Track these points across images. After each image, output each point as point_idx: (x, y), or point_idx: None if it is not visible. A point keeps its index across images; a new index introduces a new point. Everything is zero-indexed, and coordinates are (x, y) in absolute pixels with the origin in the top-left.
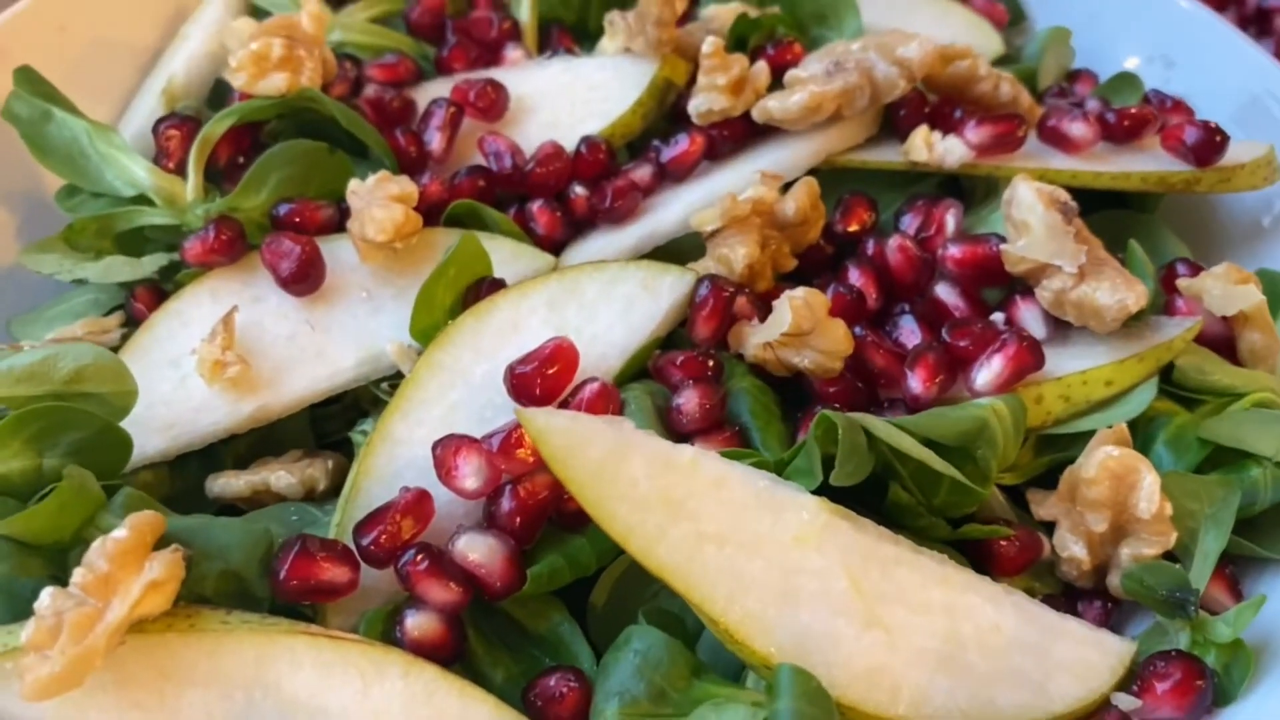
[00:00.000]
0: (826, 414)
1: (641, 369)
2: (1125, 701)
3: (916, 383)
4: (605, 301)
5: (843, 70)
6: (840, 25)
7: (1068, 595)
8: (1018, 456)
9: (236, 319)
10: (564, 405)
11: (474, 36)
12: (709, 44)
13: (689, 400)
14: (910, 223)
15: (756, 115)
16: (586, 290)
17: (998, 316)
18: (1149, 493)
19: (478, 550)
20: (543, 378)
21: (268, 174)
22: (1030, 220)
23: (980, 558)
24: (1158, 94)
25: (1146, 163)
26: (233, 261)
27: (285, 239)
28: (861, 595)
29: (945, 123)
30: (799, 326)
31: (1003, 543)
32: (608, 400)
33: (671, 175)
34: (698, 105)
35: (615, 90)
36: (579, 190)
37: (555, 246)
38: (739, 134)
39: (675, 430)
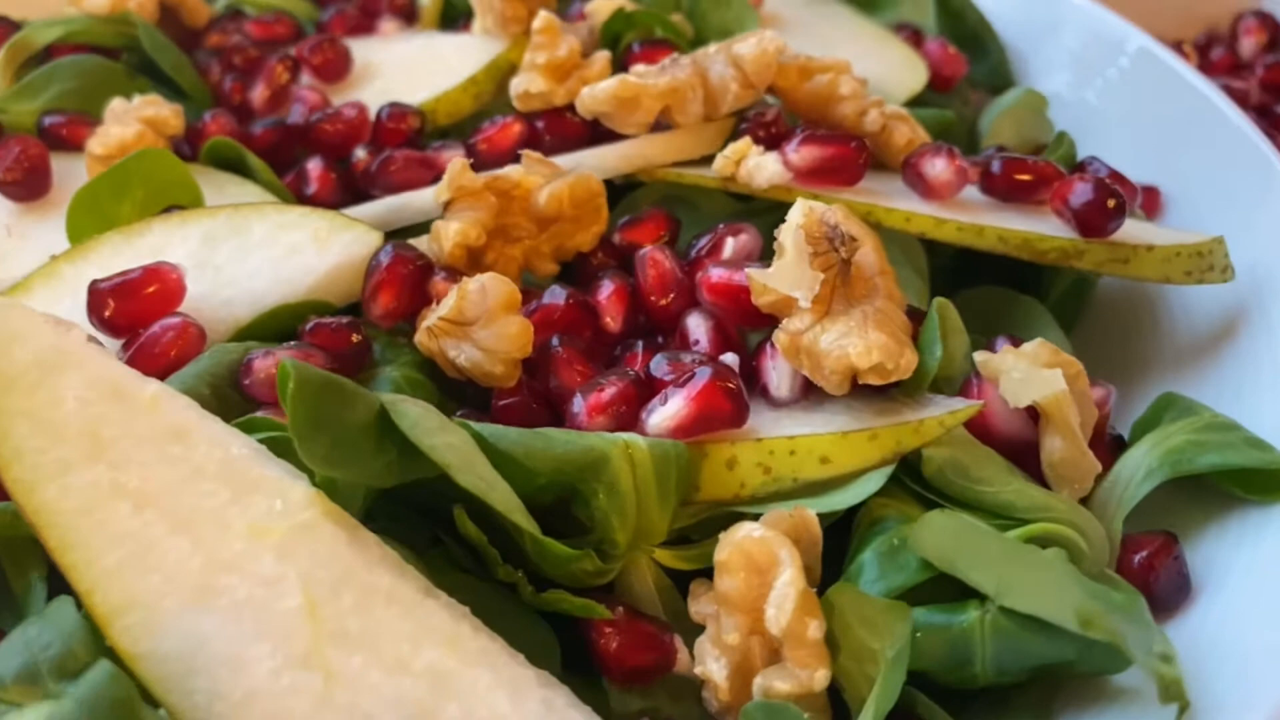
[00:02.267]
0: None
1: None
2: None
3: (581, 411)
4: (267, 246)
5: (676, 66)
6: None
7: None
8: (690, 532)
9: None
10: (139, 338)
11: (359, 6)
12: (539, 19)
13: None
14: (700, 245)
15: (579, 106)
16: (254, 229)
17: (729, 357)
18: (781, 597)
19: None
20: (120, 299)
21: (49, 83)
22: (785, 244)
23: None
24: (1096, 161)
25: (1017, 222)
26: None
27: (16, 141)
28: (314, 623)
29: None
30: (461, 312)
31: (600, 629)
32: (186, 343)
33: (480, 161)
34: (514, 85)
35: (454, 66)
36: (360, 153)
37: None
38: (569, 130)
39: None
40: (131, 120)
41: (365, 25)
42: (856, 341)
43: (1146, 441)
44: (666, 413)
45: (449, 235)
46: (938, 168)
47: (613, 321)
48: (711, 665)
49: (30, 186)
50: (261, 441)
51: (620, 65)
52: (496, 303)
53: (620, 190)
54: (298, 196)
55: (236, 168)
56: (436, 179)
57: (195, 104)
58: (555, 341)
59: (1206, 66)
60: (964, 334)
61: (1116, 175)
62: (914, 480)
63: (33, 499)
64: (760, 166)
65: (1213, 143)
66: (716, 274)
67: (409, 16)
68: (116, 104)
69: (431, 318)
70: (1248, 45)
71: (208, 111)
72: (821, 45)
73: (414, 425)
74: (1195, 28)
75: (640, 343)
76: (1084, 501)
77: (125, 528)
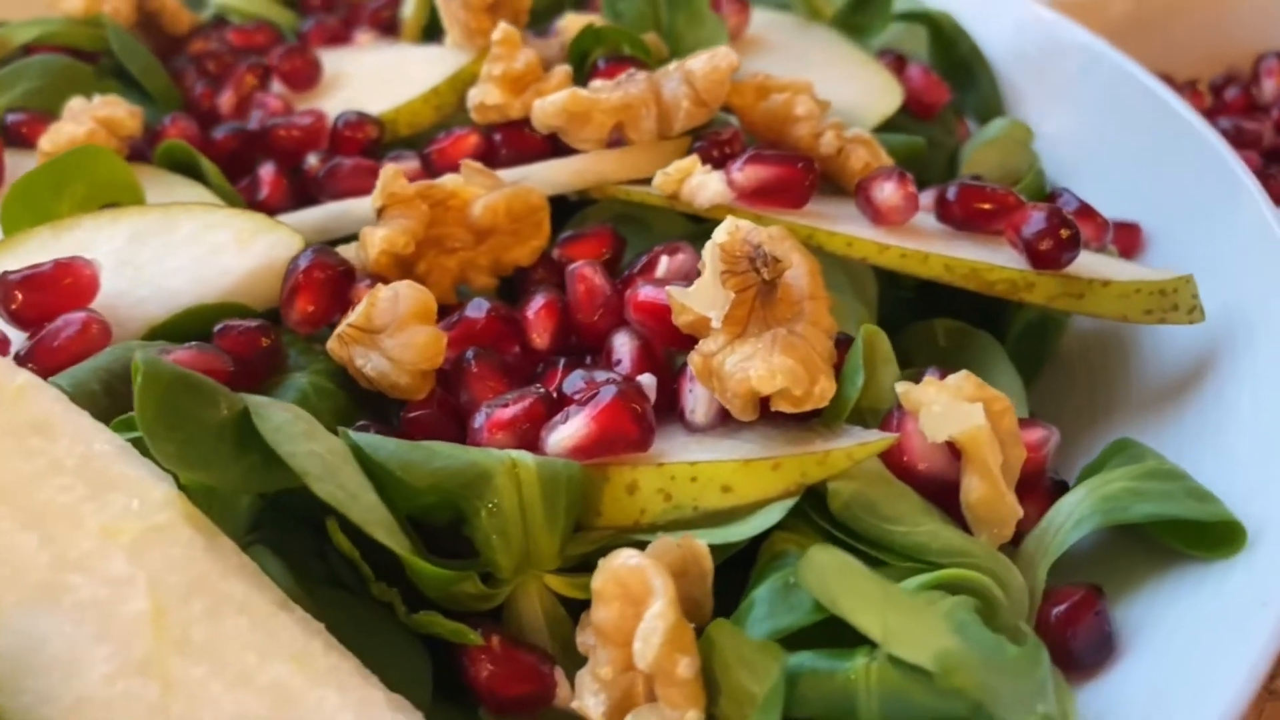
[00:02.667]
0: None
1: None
2: None
3: (482, 426)
4: (190, 245)
5: (630, 82)
6: None
7: None
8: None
9: None
10: (40, 331)
11: (342, 17)
12: (498, 31)
13: None
14: (635, 264)
15: (533, 120)
16: (181, 228)
17: (645, 378)
18: (649, 630)
19: None
20: (28, 291)
21: (15, 81)
22: (704, 262)
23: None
24: (1067, 193)
25: (968, 251)
26: None
27: None
28: (159, 629)
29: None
30: (370, 319)
31: (474, 656)
32: (88, 339)
33: (434, 171)
34: (471, 97)
35: (419, 77)
36: (311, 160)
37: (275, 214)
38: (526, 145)
39: None
40: (86, 119)
41: (344, 36)
42: (759, 365)
43: (1083, 488)
44: (566, 432)
45: (374, 242)
46: (886, 192)
47: (540, 338)
48: (589, 700)
49: None
50: (133, 441)
51: (584, 81)
52: (408, 311)
53: (575, 207)
54: (250, 202)
55: (191, 171)
56: None
57: (163, 108)
58: (469, 355)
59: (1220, 107)
60: (894, 364)
61: (1085, 208)
62: (823, 516)
63: None
64: (703, 185)
65: (1200, 181)
66: (644, 293)
67: (389, 29)
68: (75, 103)
69: (342, 324)
70: (1269, 87)
71: (168, 115)
72: (799, 67)
73: (276, 430)
74: (1215, 68)
75: (562, 360)
76: (1011, 548)
77: None
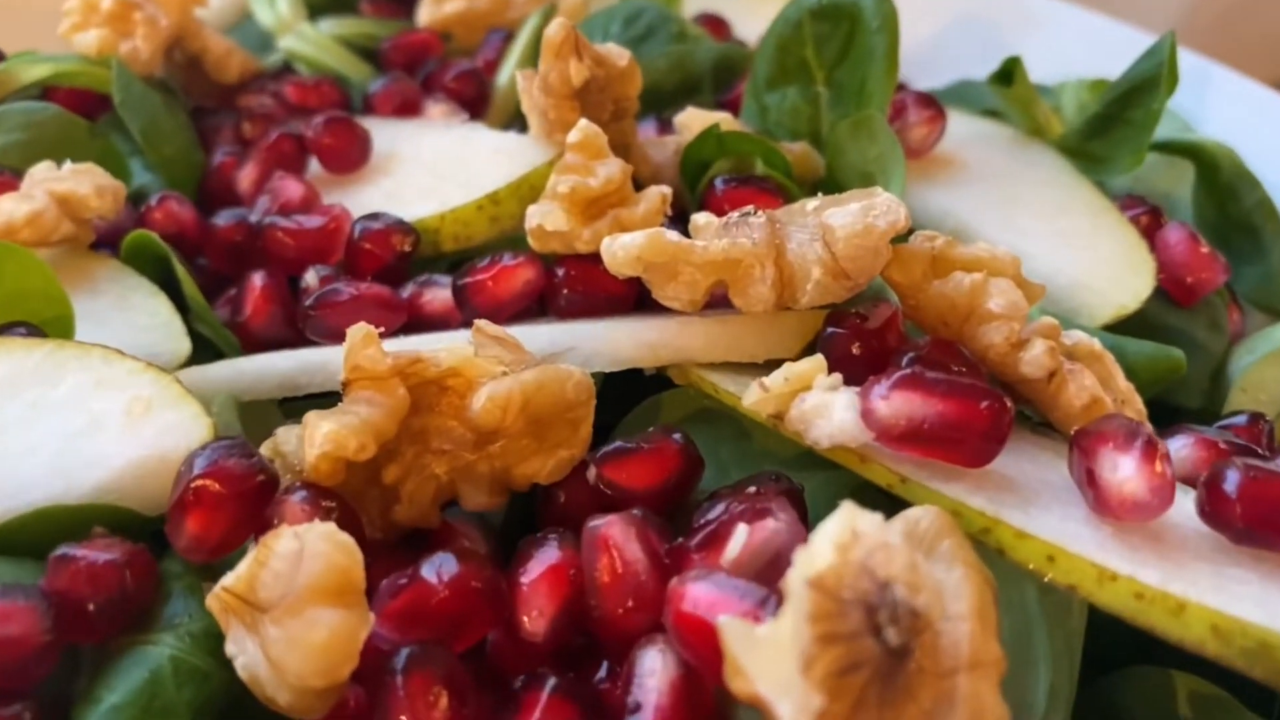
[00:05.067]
0: None
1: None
2: None
3: None
4: (68, 410)
5: (745, 226)
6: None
7: None
8: None
9: None
10: None
11: (425, 80)
12: (577, 130)
13: None
14: (701, 525)
15: (605, 258)
16: (65, 383)
17: None
18: None
19: None
20: None
21: None
22: (785, 608)
23: None
24: None
25: (1257, 600)
26: None
27: None
28: None
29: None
30: (252, 587)
31: None
32: None
33: (472, 311)
34: (530, 217)
35: (480, 175)
36: (310, 278)
37: (259, 342)
38: (600, 288)
39: None
40: (40, 194)
41: (418, 104)
42: None
43: None
44: None
45: (315, 440)
46: (1123, 472)
47: (535, 624)
48: None
49: None
50: None
51: (698, 207)
52: (313, 582)
53: (648, 386)
54: (229, 322)
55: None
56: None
57: (168, 179)
58: (400, 661)
59: None
60: None
61: None
62: None
63: None
64: (821, 411)
65: None
66: (696, 592)
67: (474, 103)
68: (39, 169)
69: (225, 580)
70: None
71: (155, 193)
72: (1003, 212)
73: None
74: None
75: (551, 681)
76: None
77: None
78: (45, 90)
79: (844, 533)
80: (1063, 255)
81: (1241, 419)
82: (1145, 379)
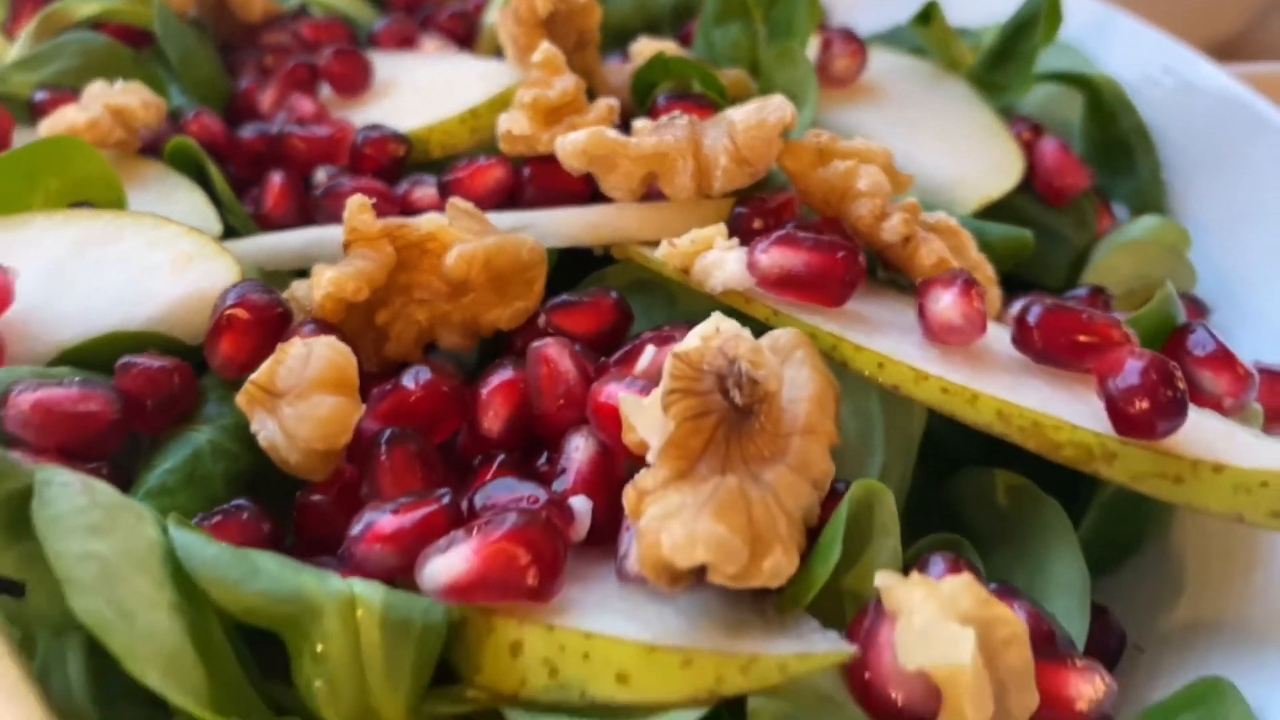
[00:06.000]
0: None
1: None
2: None
3: (359, 535)
4: (127, 262)
5: (671, 127)
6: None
7: None
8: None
9: None
10: None
11: (423, 20)
12: (539, 52)
13: None
14: (620, 350)
15: (558, 157)
16: (125, 241)
17: (579, 501)
18: None
19: None
20: None
21: (53, 58)
22: (664, 371)
23: None
24: (1200, 330)
25: (1036, 397)
26: None
27: None
28: None
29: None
30: (272, 379)
31: None
32: None
33: None
34: (500, 124)
35: (462, 94)
36: (320, 175)
37: (278, 230)
38: (559, 183)
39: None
40: (97, 106)
41: (415, 40)
42: (677, 528)
43: None
44: (443, 564)
45: (320, 284)
46: (942, 302)
47: (491, 423)
48: None
49: None
50: None
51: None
52: (317, 376)
53: (596, 263)
54: (253, 214)
55: (184, 167)
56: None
57: (200, 100)
58: (384, 437)
59: None
60: (895, 538)
61: (1222, 352)
62: None
63: None
64: (718, 264)
65: None
66: (609, 390)
67: (466, 38)
68: (95, 87)
69: (251, 376)
70: None
71: (190, 110)
72: (908, 129)
73: (52, 521)
74: None
75: (499, 458)
76: None
77: None
78: (96, 25)
79: (709, 328)
80: (947, 159)
81: (1084, 290)
82: (1000, 253)
